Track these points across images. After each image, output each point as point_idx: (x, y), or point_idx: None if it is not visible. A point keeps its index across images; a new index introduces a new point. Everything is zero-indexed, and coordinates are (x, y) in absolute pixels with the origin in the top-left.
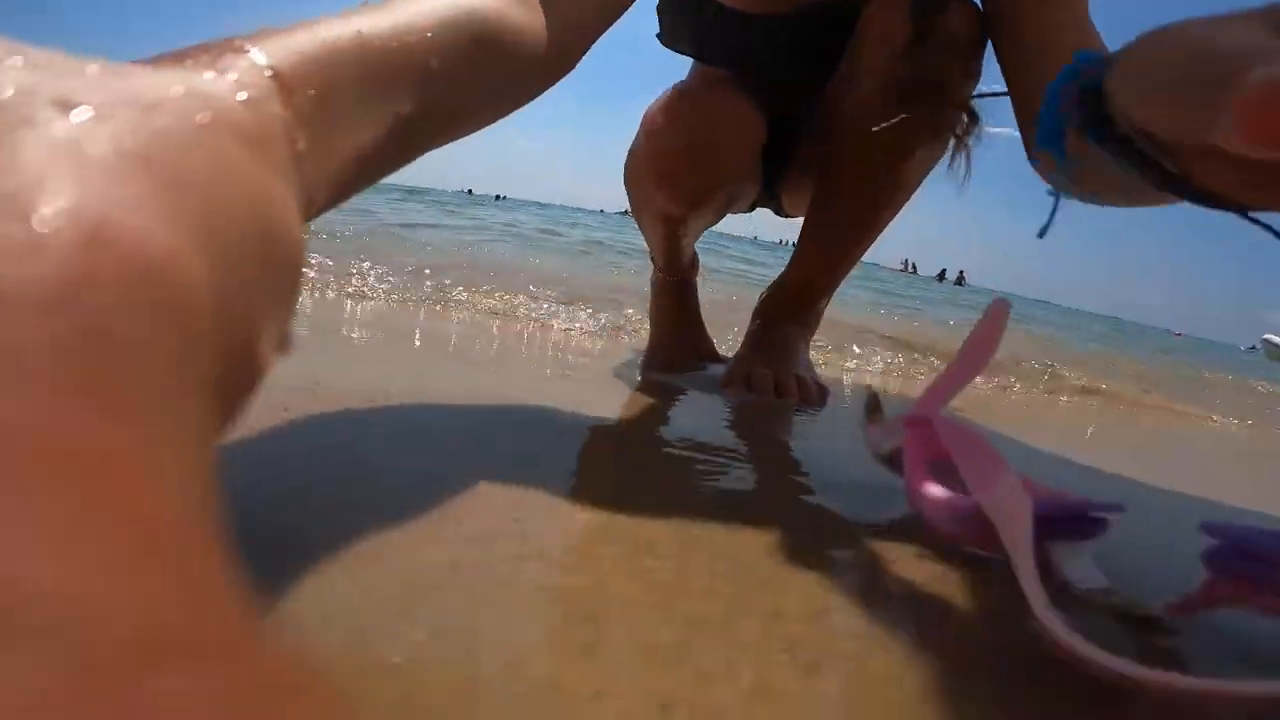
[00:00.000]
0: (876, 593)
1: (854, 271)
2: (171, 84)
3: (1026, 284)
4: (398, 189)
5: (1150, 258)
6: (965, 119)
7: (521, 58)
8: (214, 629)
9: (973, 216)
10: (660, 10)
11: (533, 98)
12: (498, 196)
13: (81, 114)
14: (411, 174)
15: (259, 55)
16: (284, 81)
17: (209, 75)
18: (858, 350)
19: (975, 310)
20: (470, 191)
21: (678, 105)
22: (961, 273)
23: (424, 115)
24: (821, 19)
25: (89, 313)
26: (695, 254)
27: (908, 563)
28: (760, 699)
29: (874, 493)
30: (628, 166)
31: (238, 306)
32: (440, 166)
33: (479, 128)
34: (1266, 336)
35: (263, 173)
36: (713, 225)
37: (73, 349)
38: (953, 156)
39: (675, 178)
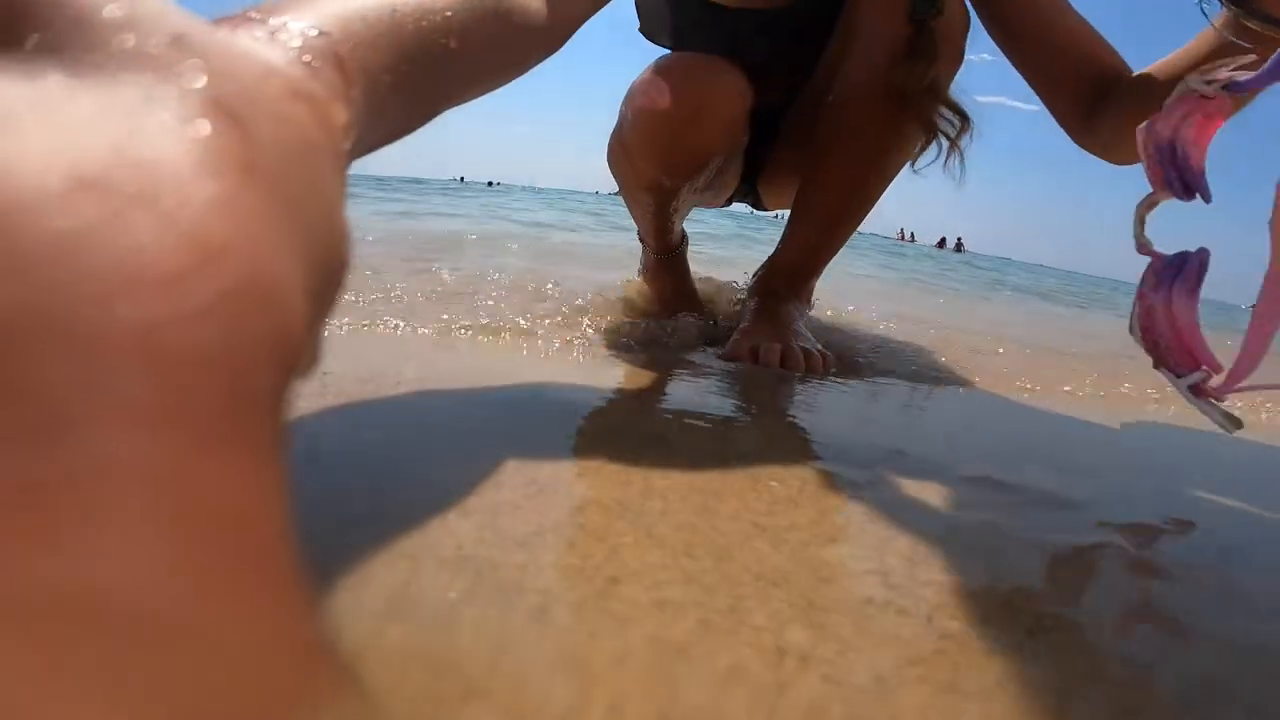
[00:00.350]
0: (887, 554)
1: (858, 241)
2: (263, 67)
3: (1024, 250)
4: (386, 179)
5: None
6: (959, 122)
7: (524, 34)
8: (271, 632)
9: (969, 185)
10: (638, 4)
11: (527, 70)
12: (490, 183)
13: (202, 111)
14: (402, 163)
15: (322, 35)
16: (342, 65)
17: (281, 55)
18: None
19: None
20: (462, 179)
21: (666, 75)
22: (960, 240)
23: (437, 90)
24: (798, 14)
25: (207, 344)
26: (684, 231)
27: (918, 523)
28: (782, 655)
29: (884, 455)
30: (612, 147)
31: (313, 327)
32: (431, 155)
33: (476, 98)
34: None
35: (334, 184)
36: (699, 204)
37: (189, 384)
38: (948, 158)
39: (670, 145)
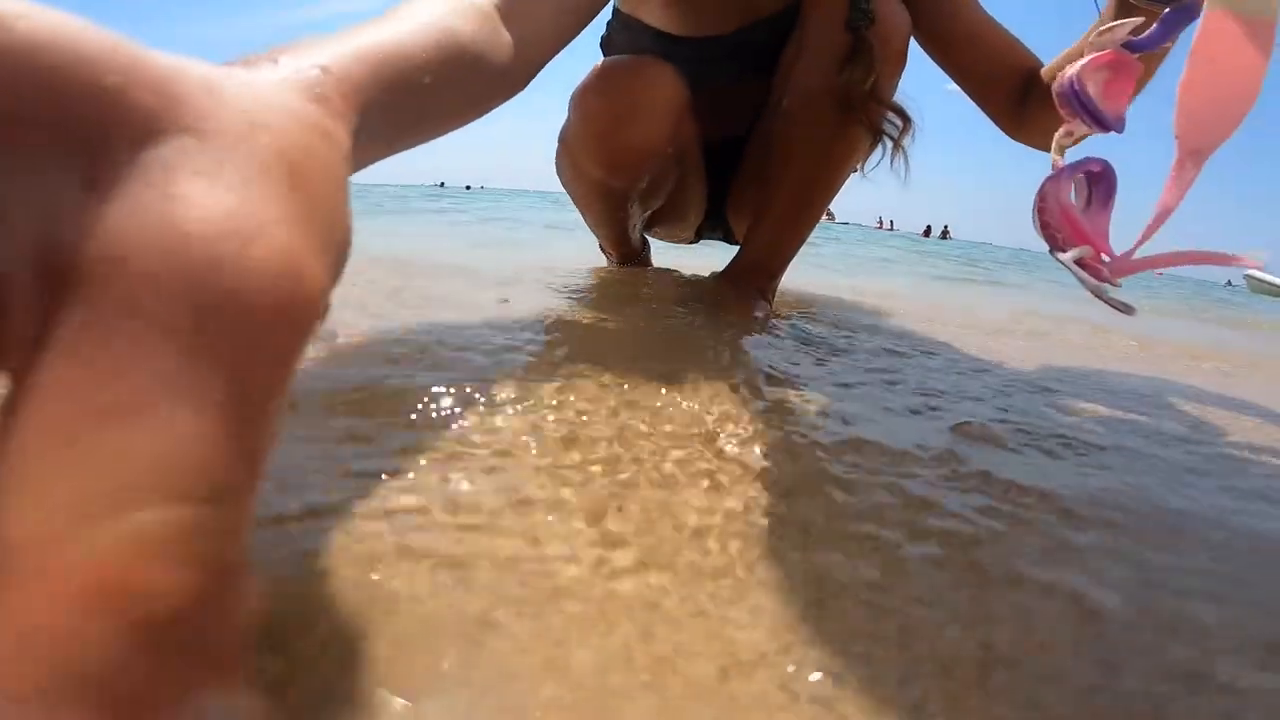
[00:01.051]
0: (850, 562)
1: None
2: (305, 123)
3: (1009, 235)
4: (367, 186)
5: (1132, 204)
6: (900, 123)
7: (487, 75)
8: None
9: (952, 172)
10: (605, 46)
11: (493, 109)
12: (468, 187)
13: (253, 119)
14: (381, 170)
15: (332, 76)
16: (348, 104)
17: (308, 101)
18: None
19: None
20: (443, 184)
21: (598, 77)
22: (946, 228)
23: (412, 128)
24: (763, 33)
25: (281, 318)
26: (645, 238)
27: (890, 530)
28: (724, 672)
29: (885, 462)
30: (559, 154)
31: (327, 293)
32: (410, 161)
33: (442, 135)
34: (1248, 272)
35: (346, 201)
36: (667, 239)
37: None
38: (892, 158)
39: (606, 141)
